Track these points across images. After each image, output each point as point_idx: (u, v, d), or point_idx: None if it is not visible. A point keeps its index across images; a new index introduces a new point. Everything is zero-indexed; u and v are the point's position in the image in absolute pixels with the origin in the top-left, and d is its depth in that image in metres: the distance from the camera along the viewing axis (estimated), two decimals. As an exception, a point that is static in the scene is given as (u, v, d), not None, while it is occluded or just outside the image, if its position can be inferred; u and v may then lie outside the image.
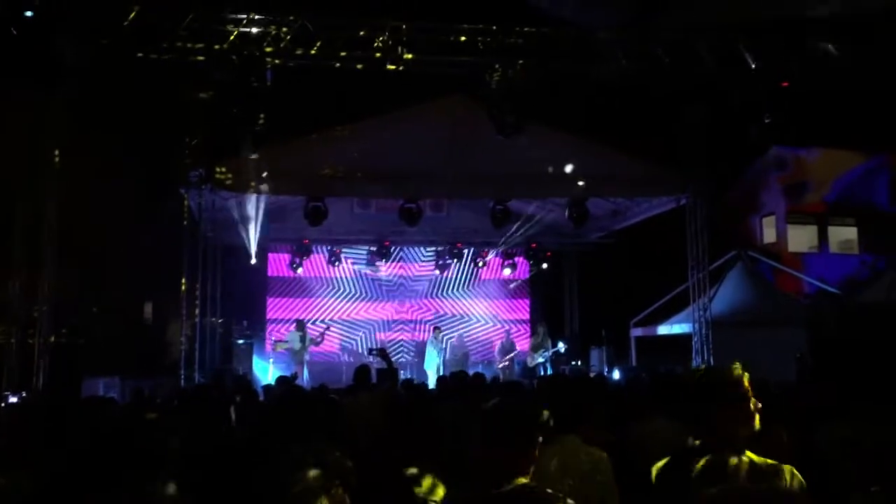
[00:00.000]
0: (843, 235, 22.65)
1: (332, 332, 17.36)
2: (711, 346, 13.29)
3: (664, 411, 4.89)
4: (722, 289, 15.43)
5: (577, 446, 3.58)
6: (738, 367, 2.74)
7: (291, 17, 9.58)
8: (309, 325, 16.42)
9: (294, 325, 15.97)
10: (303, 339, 15.25)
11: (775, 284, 18.11)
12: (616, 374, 14.93)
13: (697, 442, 2.68)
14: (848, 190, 22.12)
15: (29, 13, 8.12)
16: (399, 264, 18.51)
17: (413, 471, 3.03)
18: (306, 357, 15.31)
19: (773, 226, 22.63)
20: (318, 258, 17.83)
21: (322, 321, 17.35)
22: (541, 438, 2.69)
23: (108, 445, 2.75)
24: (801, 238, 22.44)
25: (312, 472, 2.09)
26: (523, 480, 2.54)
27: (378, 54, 9.86)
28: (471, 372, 8.84)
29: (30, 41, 8.39)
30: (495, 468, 2.56)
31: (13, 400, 9.01)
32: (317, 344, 15.86)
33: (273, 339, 17.32)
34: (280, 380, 8.62)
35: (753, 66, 10.52)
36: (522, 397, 5.78)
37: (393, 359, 12.56)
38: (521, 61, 10.07)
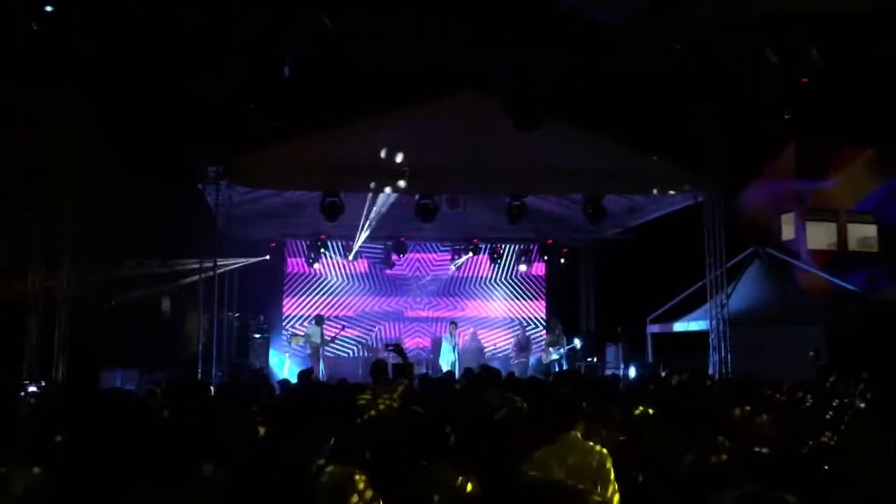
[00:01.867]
0: (863, 233, 22.39)
1: (348, 327, 17.38)
2: (728, 344, 13.22)
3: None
4: (739, 286, 15.31)
5: (577, 443, 3.64)
6: None
7: (308, 12, 9.56)
8: (326, 322, 16.46)
9: (314, 320, 16.03)
10: (321, 335, 15.30)
11: (795, 282, 17.93)
12: (632, 371, 14.85)
13: None
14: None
15: (49, 8, 8.15)
16: (415, 260, 18.53)
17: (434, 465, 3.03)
18: (322, 352, 15.35)
19: (792, 223, 22.40)
20: (334, 254, 17.86)
21: (337, 318, 17.38)
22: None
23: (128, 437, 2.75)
24: (819, 235, 22.20)
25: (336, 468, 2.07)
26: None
27: (394, 49, 9.83)
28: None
29: (50, 36, 8.42)
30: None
31: (33, 389, 9.12)
32: (329, 343, 15.92)
33: (290, 333, 17.39)
34: (302, 374, 8.67)
35: (773, 61, 10.40)
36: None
37: (408, 354, 12.54)
38: (537, 56, 10.00)
